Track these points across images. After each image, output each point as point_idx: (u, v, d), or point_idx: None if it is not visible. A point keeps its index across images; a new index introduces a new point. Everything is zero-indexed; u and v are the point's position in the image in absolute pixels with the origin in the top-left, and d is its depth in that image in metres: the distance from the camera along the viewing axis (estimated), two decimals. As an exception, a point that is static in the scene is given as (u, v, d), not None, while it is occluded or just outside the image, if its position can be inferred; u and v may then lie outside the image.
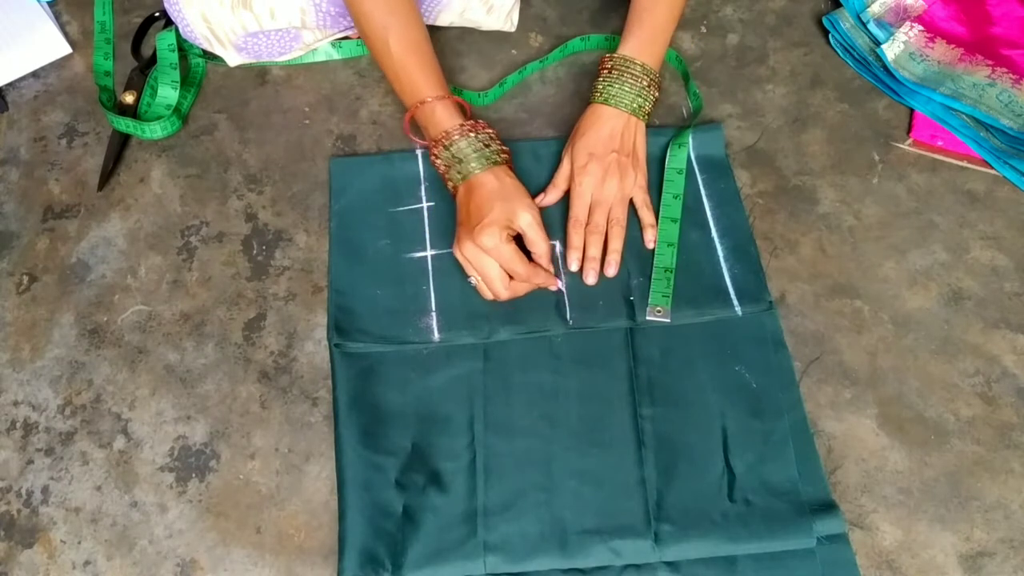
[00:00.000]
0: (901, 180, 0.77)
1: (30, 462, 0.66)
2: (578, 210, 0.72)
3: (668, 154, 0.76)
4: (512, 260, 0.66)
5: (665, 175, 0.75)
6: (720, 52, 0.86)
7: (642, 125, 0.74)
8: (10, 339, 0.71)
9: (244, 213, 0.77)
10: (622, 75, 0.73)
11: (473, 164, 0.68)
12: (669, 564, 0.60)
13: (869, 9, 0.85)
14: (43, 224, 0.77)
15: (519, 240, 0.68)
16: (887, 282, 0.72)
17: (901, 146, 0.79)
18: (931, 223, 0.75)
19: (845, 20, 0.86)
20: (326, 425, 0.66)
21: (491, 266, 0.66)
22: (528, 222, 0.67)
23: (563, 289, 0.70)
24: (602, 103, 0.73)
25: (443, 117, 0.70)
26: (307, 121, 0.82)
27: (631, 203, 0.73)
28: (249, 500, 0.64)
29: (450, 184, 0.70)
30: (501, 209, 0.66)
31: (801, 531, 0.60)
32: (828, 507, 0.61)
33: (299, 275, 0.73)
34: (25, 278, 0.74)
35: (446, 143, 0.69)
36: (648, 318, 0.68)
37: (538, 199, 0.74)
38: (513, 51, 0.87)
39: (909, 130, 0.79)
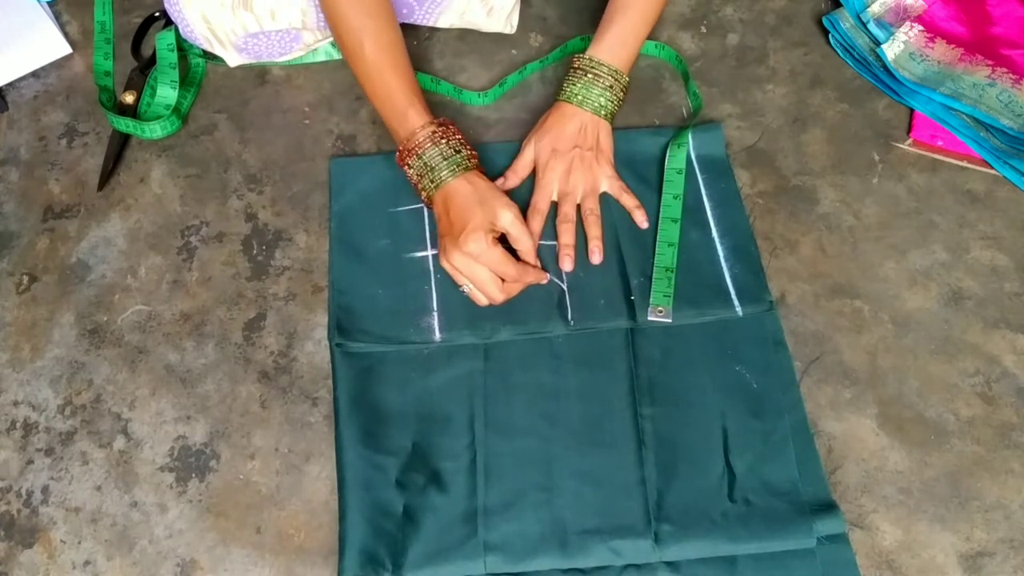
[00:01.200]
0: (901, 180, 0.77)
1: (30, 462, 0.66)
2: (539, 200, 0.73)
3: (668, 154, 0.76)
4: (502, 263, 0.66)
5: (665, 175, 0.75)
6: (720, 52, 0.86)
7: (606, 124, 0.74)
8: (10, 339, 0.71)
9: (244, 213, 0.77)
10: (590, 77, 0.73)
11: (444, 172, 0.67)
12: (669, 564, 0.60)
13: (869, 9, 0.85)
14: (43, 224, 0.77)
15: (503, 240, 0.68)
16: (887, 282, 0.72)
17: (901, 146, 0.79)
18: (931, 223, 0.75)
19: (845, 20, 0.85)
20: (326, 425, 0.66)
21: (481, 272, 0.66)
22: (510, 220, 0.67)
23: (554, 280, 0.71)
24: (566, 101, 0.74)
25: (415, 124, 0.69)
26: (307, 121, 0.82)
27: (609, 195, 0.74)
28: (249, 500, 0.64)
29: (423, 194, 0.70)
30: (481, 213, 0.65)
31: (801, 531, 0.60)
32: (828, 507, 0.61)
33: (299, 275, 0.73)
34: (25, 278, 0.74)
35: (419, 152, 0.68)
36: (650, 318, 0.68)
37: (497, 183, 0.74)
38: (513, 51, 0.87)
39: (909, 130, 0.79)
